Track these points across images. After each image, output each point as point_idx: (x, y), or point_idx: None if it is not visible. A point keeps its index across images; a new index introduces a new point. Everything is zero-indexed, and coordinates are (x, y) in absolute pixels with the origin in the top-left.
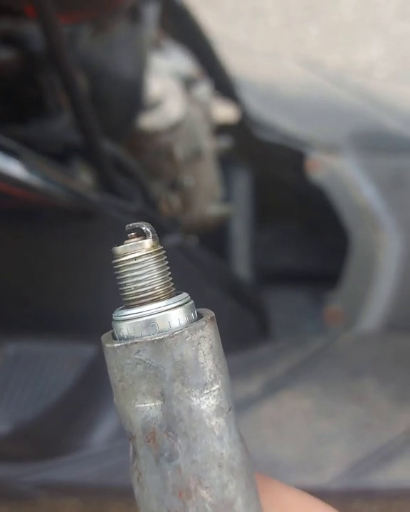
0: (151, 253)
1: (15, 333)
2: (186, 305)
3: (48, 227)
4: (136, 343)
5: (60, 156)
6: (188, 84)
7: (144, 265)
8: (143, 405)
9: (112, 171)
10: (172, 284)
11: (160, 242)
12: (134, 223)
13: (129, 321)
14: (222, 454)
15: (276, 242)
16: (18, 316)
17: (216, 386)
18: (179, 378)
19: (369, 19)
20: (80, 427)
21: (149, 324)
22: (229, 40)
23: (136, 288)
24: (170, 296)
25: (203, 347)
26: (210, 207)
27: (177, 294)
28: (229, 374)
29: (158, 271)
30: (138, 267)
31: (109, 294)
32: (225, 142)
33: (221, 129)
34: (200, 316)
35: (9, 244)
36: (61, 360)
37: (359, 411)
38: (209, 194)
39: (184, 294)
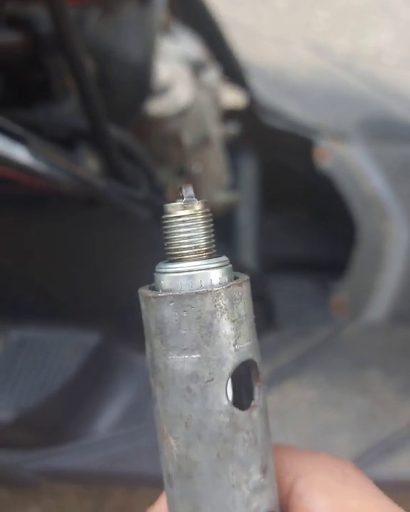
0: (200, 213)
1: (19, 320)
2: (225, 267)
3: (54, 213)
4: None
5: (66, 141)
6: (197, 69)
7: (192, 224)
8: (146, 347)
9: (119, 157)
10: (214, 245)
11: (207, 207)
12: (187, 185)
13: (170, 274)
14: (190, 416)
15: (283, 231)
16: (22, 303)
17: (196, 354)
18: (159, 336)
19: (378, 3)
20: (83, 414)
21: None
22: (237, 24)
23: (181, 244)
24: (211, 257)
25: (188, 314)
26: (217, 194)
27: (218, 256)
28: (243, 351)
29: (204, 231)
30: (186, 224)
31: (114, 281)
32: (233, 128)
33: (229, 115)
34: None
35: (14, 230)
36: (65, 348)
37: (364, 402)
38: (217, 181)
39: (224, 257)
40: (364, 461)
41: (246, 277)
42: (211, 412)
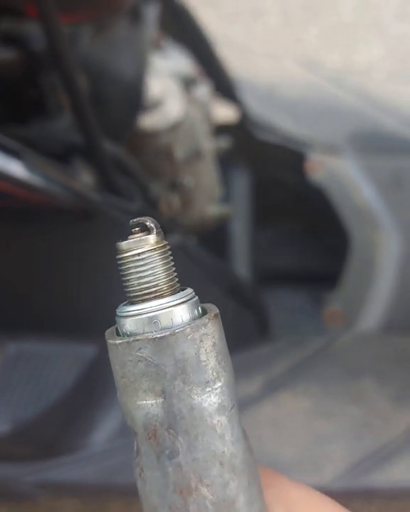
0: (155, 249)
1: (16, 333)
2: (190, 301)
3: (49, 227)
4: (138, 340)
5: (61, 156)
6: (188, 84)
7: (148, 261)
8: (144, 402)
9: (113, 171)
10: (177, 280)
11: (164, 238)
12: (139, 218)
13: (133, 317)
14: (224, 452)
15: (276, 243)
16: (19, 316)
17: (218, 384)
18: (180, 376)
19: (369, 19)
20: (80, 426)
21: (152, 321)
22: (229, 40)
23: (140, 284)
24: (174, 293)
25: (206, 345)
26: (210, 207)
27: (182, 290)
28: (233, 371)
29: (162, 267)
30: (142, 262)
31: (110, 294)
32: (224, 142)
33: (220, 130)
34: (204, 313)
35: (10, 243)
36: (62, 360)
37: (359, 411)
38: (209, 194)
39: (189, 290)
40: (359, 470)
41: (215, 308)
42: (238, 439)
